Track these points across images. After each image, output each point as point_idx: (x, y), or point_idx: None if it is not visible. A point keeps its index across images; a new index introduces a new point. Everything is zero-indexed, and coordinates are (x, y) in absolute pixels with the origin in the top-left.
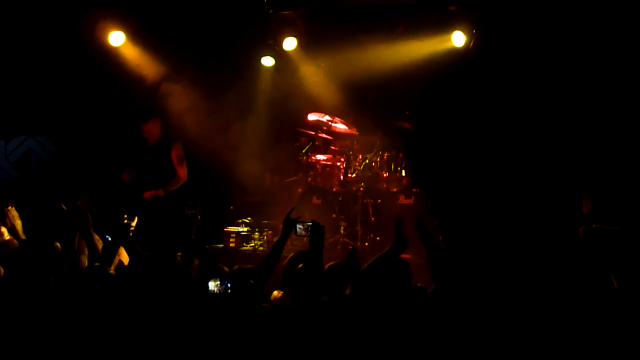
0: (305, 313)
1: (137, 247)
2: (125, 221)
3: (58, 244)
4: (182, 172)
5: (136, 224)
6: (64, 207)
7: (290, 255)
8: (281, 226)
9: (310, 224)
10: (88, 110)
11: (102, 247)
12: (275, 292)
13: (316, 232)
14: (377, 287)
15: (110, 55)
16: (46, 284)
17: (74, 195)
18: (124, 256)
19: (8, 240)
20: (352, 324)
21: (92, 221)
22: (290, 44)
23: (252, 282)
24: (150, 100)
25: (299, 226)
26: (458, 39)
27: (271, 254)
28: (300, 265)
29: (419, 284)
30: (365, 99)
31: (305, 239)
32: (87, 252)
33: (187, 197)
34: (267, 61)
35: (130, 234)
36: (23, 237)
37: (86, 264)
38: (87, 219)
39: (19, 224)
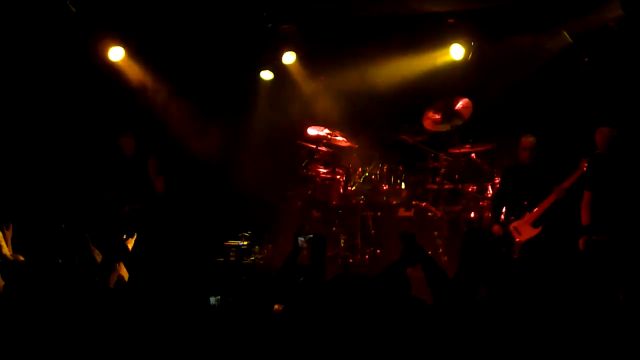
0: (307, 325)
1: (137, 263)
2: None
3: (60, 261)
4: (159, 185)
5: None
6: (63, 226)
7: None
8: (282, 240)
9: (312, 236)
10: (81, 126)
11: (100, 262)
12: (276, 306)
13: (317, 244)
14: (377, 298)
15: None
16: (47, 299)
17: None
18: (124, 271)
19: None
20: (353, 336)
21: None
22: (289, 58)
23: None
24: (127, 114)
25: (300, 238)
26: (456, 51)
27: (284, 268)
28: (301, 279)
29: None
30: (365, 111)
31: (305, 251)
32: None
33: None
34: (267, 75)
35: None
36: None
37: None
38: (85, 238)
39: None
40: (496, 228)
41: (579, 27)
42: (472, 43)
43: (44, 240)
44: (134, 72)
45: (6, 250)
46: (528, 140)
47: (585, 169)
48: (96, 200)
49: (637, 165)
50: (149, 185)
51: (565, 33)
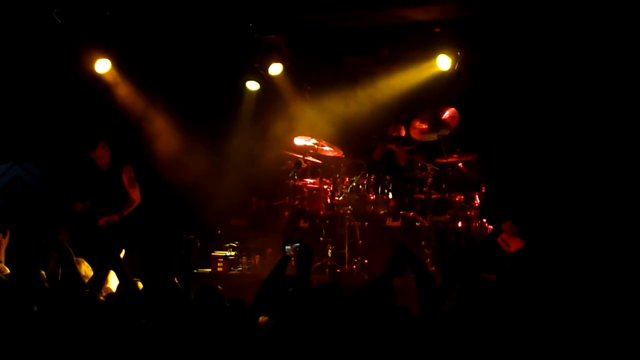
0: (292, 336)
1: (130, 275)
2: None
3: (43, 273)
4: (135, 195)
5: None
6: (45, 242)
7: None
8: (270, 250)
9: (298, 244)
10: (73, 136)
11: (92, 274)
12: (261, 318)
13: (304, 253)
14: (362, 309)
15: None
16: (31, 312)
17: (56, 227)
18: (111, 283)
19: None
20: (339, 346)
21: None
22: (275, 68)
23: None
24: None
25: (287, 247)
26: (443, 62)
27: (273, 276)
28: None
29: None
30: (352, 121)
31: (292, 260)
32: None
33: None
34: (252, 85)
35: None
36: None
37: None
38: (68, 252)
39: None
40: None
41: None
42: (459, 53)
43: (27, 253)
44: (119, 84)
45: None
46: None
47: None
48: (80, 216)
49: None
50: (124, 196)
51: None
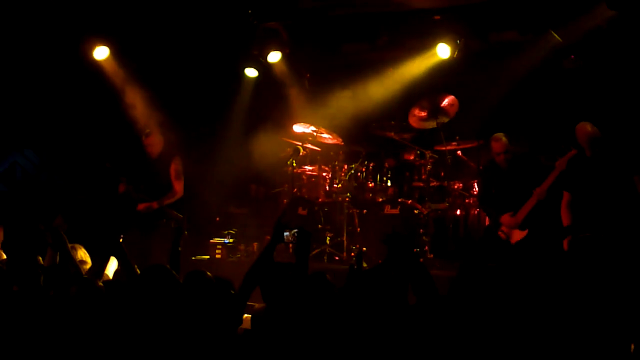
0: (288, 324)
1: (132, 262)
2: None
3: (40, 259)
4: (179, 187)
5: (122, 240)
6: (41, 227)
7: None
8: (268, 237)
9: (297, 230)
10: (74, 123)
11: (93, 260)
12: (256, 305)
13: (303, 239)
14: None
15: (97, 69)
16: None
17: (55, 212)
18: (108, 270)
19: None
20: (336, 335)
21: (85, 234)
22: (274, 56)
23: (233, 292)
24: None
25: (286, 233)
26: (443, 50)
27: (261, 259)
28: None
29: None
30: (351, 109)
31: (290, 246)
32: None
33: (177, 209)
34: (251, 72)
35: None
36: None
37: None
38: (62, 238)
39: None
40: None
41: (569, 27)
42: (458, 41)
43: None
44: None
45: None
46: (500, 144)
47: (561, 167)
48: (121, 199)
49: (616, 164)
50: (167, 186)
51: (552, 32)
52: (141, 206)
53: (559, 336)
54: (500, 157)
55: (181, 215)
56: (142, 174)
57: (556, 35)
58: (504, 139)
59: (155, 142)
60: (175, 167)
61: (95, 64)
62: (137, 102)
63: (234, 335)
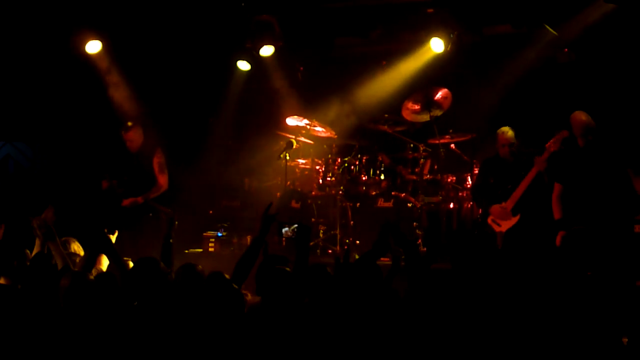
0: (285, 316)
1: (120, 256)
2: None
3: (28, 251)
4: (163, 180)
5: (116, 237)
6: (31, 219)
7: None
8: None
9: (297, 225)
10: (67, 116)
11: (84, 254)
12: (249, 297)
13: (302, 233)
14: (350, 289)
15: (88, 62)
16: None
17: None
18: (102, 263)
19: None
20: (330, 327)
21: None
22: (267, 50)
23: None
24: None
25: (284, 228)
26: (436, 45)
27: (249, 252)
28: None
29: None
30: (344, 102)
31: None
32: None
33: (166, 202)
34: (243, 65)
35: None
36: None
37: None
38: (51, 231)
39: None
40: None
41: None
42: (452, 35)
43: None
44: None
45: None
46: (505, 136)
47: (554, 146)
48: (105, 195)
49: (610, 155)
50: (152, 180)
51: (547, 26)
52: (126, 202)
53: (551, 330)
54: (505, 150)
55: (169, 209)
56: (125, 170)
57: (551, 30)
58: (509, 132)
59: (135, 136)
60: (157, 160)
61: (87, 57)
62: (121, 95)
63: (232, 326)
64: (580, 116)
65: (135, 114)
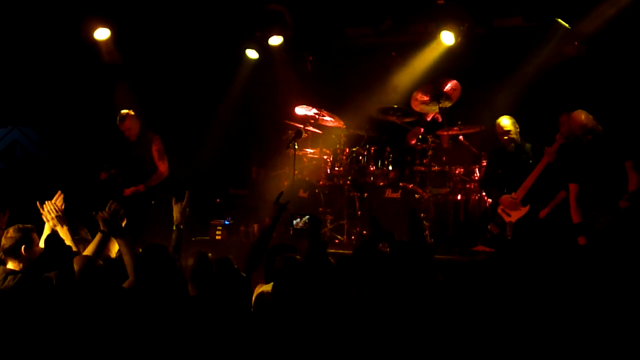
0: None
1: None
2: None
3: (36, 236)
4: (163, 167)
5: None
6: (38, 204)
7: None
8: (267, 220)
9: (308, 217)
10: (74, 102)
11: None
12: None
13: (315, 225)
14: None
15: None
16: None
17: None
18: (111, 250)
19: None
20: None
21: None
22: (276, 39)
23: (243, 275)
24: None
25: (296, 220)
26: (447, 37)
27: (261, 240)
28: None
29: None
30: (353, 92)
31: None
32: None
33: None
34: (252, 53)
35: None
36: None
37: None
38: (61, 217)
39: None
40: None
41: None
42: (462, 27)
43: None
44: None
45: None
46: (500, 125)
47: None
48: (105, 185)
49: (613, 149)
50: (152, 168)
51: (559, 20)
52: (128, 191)
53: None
54: (504, 139)
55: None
56: (124, 159)
57: (563, 23)
58: (502, 121)
59: (132, 124)
60: (156, 147)
61: (95, 43)
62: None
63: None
64: (579, 116)
65: (129, 103)
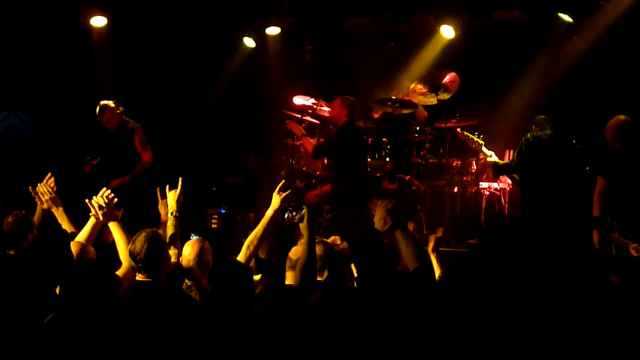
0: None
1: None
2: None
3: (32, 218)
4: (147, 156)
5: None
6: (30, 189)
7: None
8: (264, 208)
9: (304, 208)
10: (71, 88)
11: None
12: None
13: (313, 215)
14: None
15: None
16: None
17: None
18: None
19: None
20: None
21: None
22: (274, 28)
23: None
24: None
25: (289, 213)
26: (447, 31)
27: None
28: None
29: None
30: (351, 83)
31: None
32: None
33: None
34: (250, 42)
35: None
36: None
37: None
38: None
39: None
40: None
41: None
42: (461, 21)
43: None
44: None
45: None
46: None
47: None
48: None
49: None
50: (136, 158)
51: (560, 14)
52: (114, 182)
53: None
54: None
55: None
56: (106, 150)
57: (565, 17)
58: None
59: (111, 117)
60: (139, 137)
61: (92, 30)
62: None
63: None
64: (611, 123)
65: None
